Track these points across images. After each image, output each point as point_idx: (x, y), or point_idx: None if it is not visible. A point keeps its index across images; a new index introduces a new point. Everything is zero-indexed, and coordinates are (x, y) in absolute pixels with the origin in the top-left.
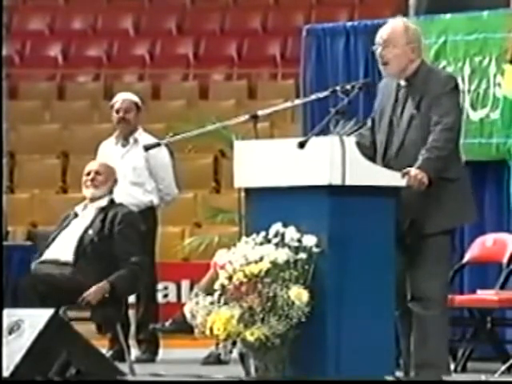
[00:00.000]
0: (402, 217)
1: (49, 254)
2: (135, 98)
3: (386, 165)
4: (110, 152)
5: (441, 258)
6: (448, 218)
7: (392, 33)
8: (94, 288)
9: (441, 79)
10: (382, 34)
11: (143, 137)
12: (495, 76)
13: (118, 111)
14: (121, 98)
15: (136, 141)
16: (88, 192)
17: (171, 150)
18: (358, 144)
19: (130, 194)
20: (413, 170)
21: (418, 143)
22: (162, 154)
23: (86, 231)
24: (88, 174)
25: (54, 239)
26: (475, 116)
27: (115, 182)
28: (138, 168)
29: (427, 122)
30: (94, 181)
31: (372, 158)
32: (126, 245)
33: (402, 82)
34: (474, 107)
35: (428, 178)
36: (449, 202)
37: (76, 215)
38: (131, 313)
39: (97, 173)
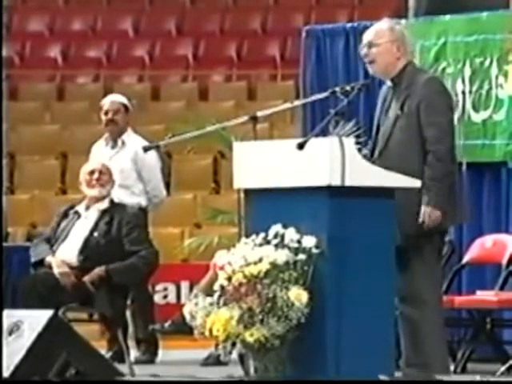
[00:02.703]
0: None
1: (52, 256)
2: (124, 100)
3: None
4: (100, 154)
5: (430, 258)
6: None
7: (376, 32)
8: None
9: (426, 80)
10: (367, 35)
11: (132, 138)
12: (497, 77)
13: (106, 113)
14: (109, 100)
15: (123, 143)
16: (94, 191)
17: (167, 151)
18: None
19: (117, 196)
20: (422, 209)
21: (401, 144)
22: (148, 156)
23: (91, 234)
24: (91, 173)
25: (57, 238)
26: (477, 117)
27: (114, 182)
28: (125, 170)
29: (413, 122)
30: (100, 180)
31: None
32: (135, 244)
33: (389, 83)
34: (475, 109)
35: (440, 208)
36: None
37: (79, 215)
38: (128, 313)
39: (101, 172)
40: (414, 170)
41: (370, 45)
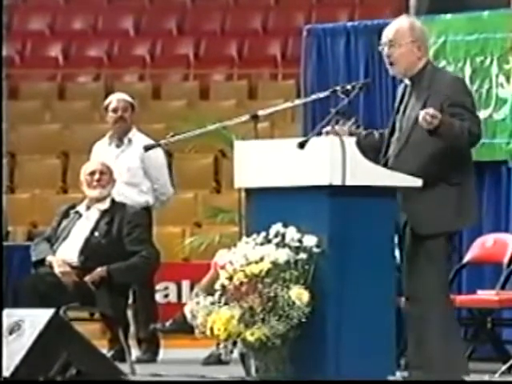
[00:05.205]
0: (402, 217)
1: (53, 256)
2: (129, 98)
3: (386, 163)
4: (103, 153)
5: (438, 259)
6: (447, 221)
7: (397, 32)
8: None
9: (451, 80)
10: (387, 34)
11: (137, 137)
12: (497, 76)
13: (115, 110)
14: (115, 98)
15: (130, 141)
16: (95, 192)
17: (168, 149)
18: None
19: (124, 195)
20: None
21: (421, 143)
22: (155, 154)
23: (91, 234)
24: (92, 173)
25: (57, 238)
26: None
27: (114, 181)
28: (133, 168)
29: None
30: (101, 181)
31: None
32: (136, 244)
33: (407, 81)
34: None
35: (437, 126)
36: (448, 205)
37: (79, 215)
38: (130, 312)
39: (102, 173)
40: (434, 168)
41: (391, 44)
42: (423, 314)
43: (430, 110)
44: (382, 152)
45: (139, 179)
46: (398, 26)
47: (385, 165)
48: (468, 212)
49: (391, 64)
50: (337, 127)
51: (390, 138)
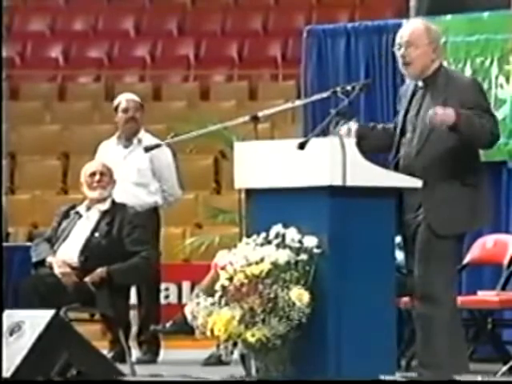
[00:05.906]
0: (413, 218)
1: (53, 256)
2: (138, 99)
3: (397, 164)
4: (110, 153)
5: (450, 259)
6: (463, 221)
7: (413, 33)
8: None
9: (469, 82)
10: (402, 35)
11: (146, 137)
12: (497, 77)
13: (126, 111)
14: (125, 99)
15: (140, 141)
16: (96, 193)
17: (174, 150)
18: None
19: (134, 195)
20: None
21: (439, 143)
22: (165, 155)
23: (92, 234)
24: (92, 175)
25: (58, 238)
26: None
27: (115, 182)
28: (143, 169)
29: None
30: (101, 182)
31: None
32: (137, 244)
33: (420, 83)
34: None
35: (454, 123)
36: (464, 205)
37: (80, 216)
38: (132, 314)
39: (102, 174)
40: (454, 167)
41: (408, 45)
42: (433, 313)
43: (436, 109)
44: (391, 152)
45: (148, 180)
46: (413, 28)
47: (396, 165)
48: (482, 212)
49: (406, 64)
50: (349, 124)
51: (401, 138)
